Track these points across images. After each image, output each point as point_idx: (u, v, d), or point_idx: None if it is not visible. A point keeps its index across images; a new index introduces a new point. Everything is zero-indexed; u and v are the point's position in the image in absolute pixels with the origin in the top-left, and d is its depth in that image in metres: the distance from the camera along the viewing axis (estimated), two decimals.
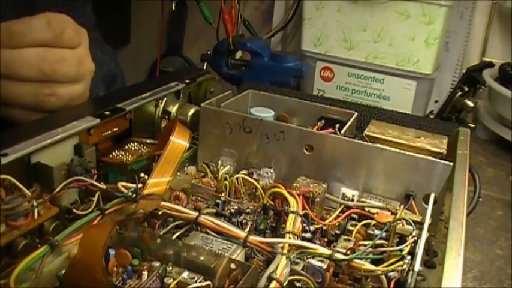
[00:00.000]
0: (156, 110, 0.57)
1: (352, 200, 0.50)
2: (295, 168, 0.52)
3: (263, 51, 1.00)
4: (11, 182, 0.38)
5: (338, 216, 0.47)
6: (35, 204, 0.39)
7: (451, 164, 0.47)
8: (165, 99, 0.58)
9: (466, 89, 1.05)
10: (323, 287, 0.38)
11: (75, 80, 0.51)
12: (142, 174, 0.46)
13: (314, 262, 0.39)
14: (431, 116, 1.09)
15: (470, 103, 1.05)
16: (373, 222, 0.44)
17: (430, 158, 0.48)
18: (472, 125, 1.06)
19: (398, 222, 0.42)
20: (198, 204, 0.49)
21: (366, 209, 0.47)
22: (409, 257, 0.39)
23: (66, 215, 0.43)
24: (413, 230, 0.41)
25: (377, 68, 1.01)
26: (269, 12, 1.28)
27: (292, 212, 0.43)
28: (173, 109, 0.59)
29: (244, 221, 0.47)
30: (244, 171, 0.52)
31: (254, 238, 0.40)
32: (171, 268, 0.37)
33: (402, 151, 0.49)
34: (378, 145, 0.50)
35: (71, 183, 0.42)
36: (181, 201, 0.47)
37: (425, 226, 0.42)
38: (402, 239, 0.42)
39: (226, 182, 0.51)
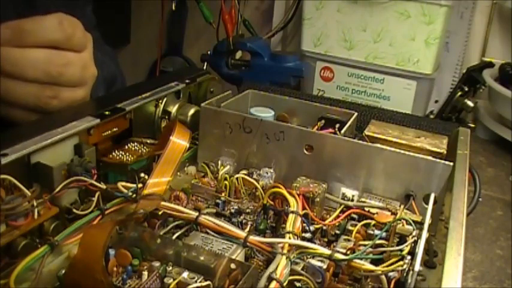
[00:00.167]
0: (156, 110, 0.57)
1: (352, 200, 0.50)
2: (295, 168, 0.52)
3: (263, 51, 1.01)
4: (11, 182, 0.38)
5: (338, 216, 0.47)
6: (35, 204, 0.39)
7: (451, 164, 0.47)
8: (165, 99, 0.58)
9: (466, 89, 1.05)
10: (323, 287, 0.38)
11: (78, 84, 0.51)
12: (142, 174, 0.46)
13: (314, 262, 0.39)
14: (431, 116, 1.09)
15: (470, 103, 1.05)
16: (373, 222, 0.44)
17: (430, 158, 0.48)
18: (472, 125, 1.06)
19: (398, 222, 0.42)
20: (198, 204, 0.49)
21: (366, 209, 0.47)
22: (409, 257, 0.39)
23: (66, 215, 0.43)
24: (413, 230, 0.41)
25: (377, 68, 1.01)
26: (269, 12, 1.28)
27: (292, 212, 0.43)
28: (173, 109, 0.59)
29: (244, 221, 0.47)
30: (244, 171, 0.52)
31: (254, 238, 0.40)
32: (171, 268, 0.37)
33: (402, 151, 0.49)
34: (378, 145, 0.50)
35: (71, 183, 0.42)
36: (181, 201, 0.47)
37: (425, 226, 0.42)
38: (402, 239, 0.42)
39: (226, 182, 0.51)
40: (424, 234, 0.40)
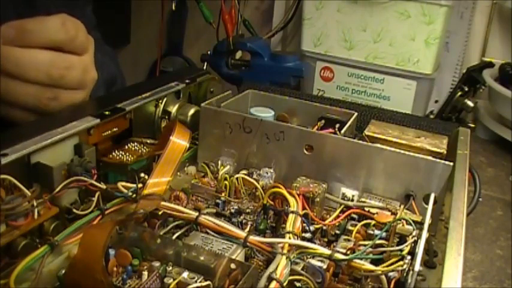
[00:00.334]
0: (156, 110, 0.57)
1: (352, 200, 0.50)
2: (295, 168, 0.52)
3: (263, 51, 1.00)
4: (11, 182, 0.38)
5: (338, 216, 0.47)
6: (35, 204, 0.39)
7: (451, 164, 0.47)
8: (165, 99, 0.58)
9: (466, 89, 1.05)
10: (323, 287, 0.38)
11: (78, 87, 0.51)
12: (142, 174, 0.46)
13: (314, 262, 0.39)
14: (431, 116, 1.09)
15: (470, 103, 1.05)
16: (373, 222, 0.44)
17: (430, 158, 0.48)
18: (472, 125, 1.06)
19: (398, 222, 0.42)
20: (198, 204, 0.49)
21: (366, 209, 0.47)
22: (409, 257, 0.39)
23: (66, 215, 0.43)
24: (413, 230, 0.41)
25: (377, 68, 1.01)
26: (269, 12, 1.28)
27: (292, 212, 0.43)
28: (173, 109, 0.59)
29: (244, 221, 0.47)
30: (244, 171, 0.52)
31: (254, 238, 0.40)
32: (171, 268, 0.37)
33: (402, 151, 0.49)
34: (378, 145, 0.50)
35: (71, 183, 0.42)
36: (181, 201, 0.47)
37: (425, 226, 0.42)
38: (402, 239, 0.42)
39: (226, 182, 0.51)
40: (424, 234, 0.40)
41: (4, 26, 0.46)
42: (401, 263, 0.38)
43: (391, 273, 0.38)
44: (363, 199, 0.48)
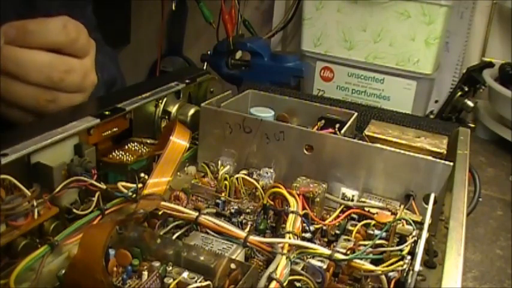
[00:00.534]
0: (156, 110, 0.57)
1: (352, 200, 0.50)
2: (295, 168, 0.52)
3: (263, 51, 1.00)
4: (11, 182, 0.38)
5: (338, 216, 0.47)
6: (35, 204, 0.39)
7: (451, 164, 0.47)
8: (165, 99, 0.58)
9: (466, 89, 1.05)
10: (323, 287, 0.38)
11: (77, 91, 0.51)
12: (142, 174, 0.46)
13: (314, 262, 0.39)
14: (431, 116, 1.09)
15: (470, 103, 1.05)
16: (373, 222, 0.44)
17: (430, 158, 0.48)
18: (472, 125, 1.06)
19: (398, 222, 0.42)
20: (198, 204, 0.49)
21: (366, 209, 0.47)
22: (409, 257, 0.39)
23: (66, 215, 0.43)
24: (413, 230, 0.41)
25: (377, 68, 1.01)
26: (269, 12, 1.28)
27: (292, 212, 0.43)
28: (173, 109, 0.59)
29: (244, 221, 0.47)
30: (244, 171, 0.52)
31: (254, 238, 0.40)
32: (171, 268, 0.37)
33: (402, 151, 0.49)
34: (378, 145, 0.50)
35: (71, 183, 0.42)
36: (181, 201, 0.47)
37: (425, 226, 0.42)
38: (402, 239, 0.42)
39: (226, 182, 0.51)
40: (424, 234, 0.40)
41: (5, 26, 0.46)
42: (401, 263, 0.38)
43: (391, 273, 0.38)
44: (363, 199, 0.48)
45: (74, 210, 0.42)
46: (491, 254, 0.67)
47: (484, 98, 1.07)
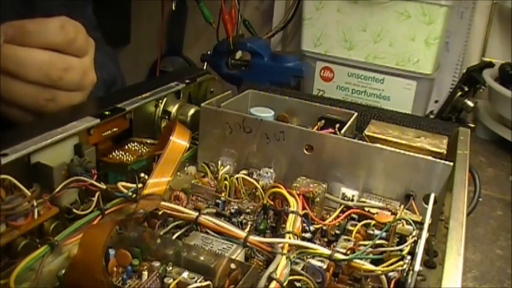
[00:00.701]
0: (156, 110, 0.57)
1: (352, 200, 0.50)
2: (295, 168, 0.52)
3: (263, 51, 1.00)
4: (11, 182, 0.38)
5: (338, 216, 0.47)
6: (35, 204, 0.39)
7: (451, 164, 0.47)
8: (165, 99, 0.58)
9: (466, 89, 1.05)
10: (323, 287, 0.38)
11: (76, 89, 0.51)
12: (142, 174, 0.46)
13: (314, 262, 0.39)
14: (431, 116, 1.09)
15: (470, 103, 1.05)
16: (373, 222, 0.44)
17: (430, 158, 0.48)
18: (472, 125, 1.06)
19: (398, 222, 0.42)
20: (198, 204, 0.49)
21: (366, 209, 0.47)
22: (409, 257, 0.39)
23: (66, 215, 0.43)
24: (413, 230, 0.41)
25: (377, 68, 1.01)
26: (269, 12, 1.28)
27: (292, 212, 0.43)
28: (173, 109, 0.59)
29: (244, 221, 0.47)
30: (244, 171, 0.52)
31: (254, 238, 0.40)
32: (171, 268, 0.37)
33: (402, 151, 0.49)
34: (378, 145, 0.50)
35: (71, 183, 0.42)
36: (181, 201, 0.47)
37: (425, 226, 0.42)
38: (402, 239, 0.42)
39: (226, 182, 0.51)
40: (424, 234, 0.40)
41: (4, 25, 0.46)
42: (401, 263, 0.38)
43: (391, 273, 0.38)
44: (363, 199, 0.48)
45: (74, 210, 0.42)
46: (491, 254, 0.67)
47: (484, 98, 1.07)
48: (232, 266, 0.36)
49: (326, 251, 0.39)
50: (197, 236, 0.42)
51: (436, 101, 1.10)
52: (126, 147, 0.52)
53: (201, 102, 0.56)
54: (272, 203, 0.46)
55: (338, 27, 1.01)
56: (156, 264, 0.37)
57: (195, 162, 0.56)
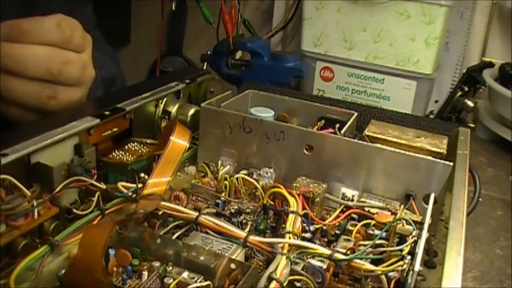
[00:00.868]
0: (156, 110, 0.57)
1: (352, 200, 0.50)
2: (295, 168, 0.52)
3: (263, 51, 1.00)
4: (11, 182, 0.38)
5: (338, 216, 0.47)
6: (35, 204, 0.39)
7: (451, 164, 0.47)
8: (165, 99, 0.58)
9: (466, 89, 1.05)
10: (323, 287, 0.38)
11: (76, 84, 0.51)
12: (142, 174, 0.46)
13: (314, 262, 0.39)
14: (431, 116, 1.09)
15: (470, 103, 1.05)
16: (373, 222, 0.44)
17: (430, 158, 0.48)
18: (472, 125, 1.06)
19: (398, 222, 0.42)
20: (198, 204, 0.49)
21: (366, 209, 0.47)
22: (409, 257, 0.39)
23: (66, 215, 0.43)
24: (413, 230, 0.41)
25: (377, 68, 1.01)
26: (269, 12, 1.28)
27: (292, 212, 0.43)
28: (173, 109, 0.59)
29: (244, 221, 0.47)
30: (244, 171, 0.52)
31: (254, 238, 0.40)
32: (171, 268, 0.37)
33: (402, 151, 0.49)
34: (378, 145, 0.50)
35: (71, 183, 0.42)
36: (181, 201, 0.47)
37: (425, 226, 0.42)
38: (402, 239, 0.42)
39: (226, 182, 0.51)
40: (424, 234, 0.40)
41: (1, 25, 0.46)
42: (401, 263, 0.38)
43: (391, 273, 0.38)
44: (363, 199, 0.48)
45: (74, 210, 0.42)
46: (491, 254, 0.67)
47: (484, 98, 1.07)
48: (232, 266, 0.36)
49: (326, 251, 0.39)
50: (197, 236, 0.42)
51: (436, 101, 1.10)
52: (126, 147, 0.52)
53: (201, 102, 0.56)
54: (272, 203, 0.46)
55: (338, 27, 1.01)
56: (156, 264, 0.37)
57: (195, 162, 0.56)
